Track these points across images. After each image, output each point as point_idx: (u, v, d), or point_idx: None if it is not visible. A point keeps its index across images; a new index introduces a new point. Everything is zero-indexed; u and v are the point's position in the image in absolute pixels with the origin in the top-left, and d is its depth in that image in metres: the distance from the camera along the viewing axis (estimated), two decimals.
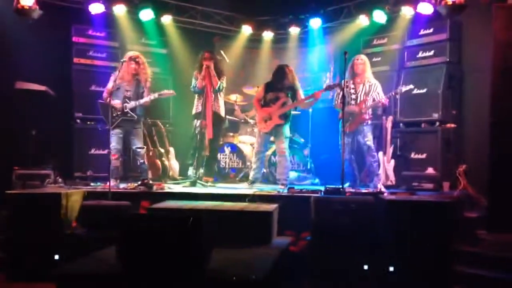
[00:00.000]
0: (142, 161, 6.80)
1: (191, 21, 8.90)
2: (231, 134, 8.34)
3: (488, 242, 4.93)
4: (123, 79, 6.64)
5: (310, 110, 8.08)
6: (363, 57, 6.88)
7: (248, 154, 7.88)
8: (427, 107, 7.07)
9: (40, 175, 6.33)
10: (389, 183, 6.72)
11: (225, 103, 7.39)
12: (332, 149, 7.37)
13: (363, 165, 6.86)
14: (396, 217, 4.93)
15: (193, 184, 6.78)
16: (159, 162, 7.73)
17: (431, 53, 7.25)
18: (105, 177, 6.20)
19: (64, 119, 7.50)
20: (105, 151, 6.96)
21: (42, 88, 6.98)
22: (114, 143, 6.55)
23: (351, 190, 5.91)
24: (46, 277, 4.45)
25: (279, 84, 6.68)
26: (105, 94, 6.68)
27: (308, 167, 7.84)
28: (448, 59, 7.04)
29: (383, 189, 5.97)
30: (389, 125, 6.89)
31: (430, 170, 6.82)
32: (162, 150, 7.88)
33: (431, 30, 7.28)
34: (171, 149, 8.09)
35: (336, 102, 6.87)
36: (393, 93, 6.80)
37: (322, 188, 5.83)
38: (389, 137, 6.88)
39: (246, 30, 9.01)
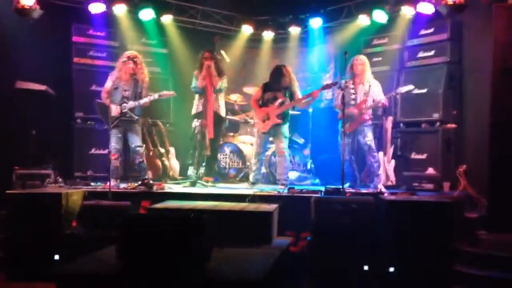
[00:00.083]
0: (141, 160, 6.68)
1: (192, 20, 8.91)
2: (231, 134, 8.33)
3: (488, 242, 4.92)
4: (121, 78, 6.61)
5: (311, 110, 8.08)
6: (362, 57, 6.85)
7: (248, 154, 7.88)
8: (427, 107, 7.07)
9: (40, 175, 6.33)
10: (389, 183, 6.72)
11: (225, 103, 7.38)
12: (332, 149, 7.38)
13: (363, 165, 6.85)
14: (396, 217, 4.93)
15: (194, 184, 6.79)
16: (159, 162, 7.73)
17: (432, 53, 7.25)
18: (105, 177, 6.20)
19: (64, 119, 7.50)
20: (105, 151, 6.95)
21: (42, 87, 6.98)
22: (114, 143, 6.53)
23: (352, 190, 5.91)
24: (46, 277, 4.47)
25: (276, 84, 6.71)
26: (103, 94, 6.63)
27: (308, 167, 7.84)
28: (448, 59, 7.04)
29: (383, 190, 5.97)
30: (389, 125, 6.88)
31: (430, 171, 6.82)
32: (162, 150, 7.87)
33: (431, 30, 7.27)
34: (172, 149, 8.09)
35: (336, 102, 6.86)
36: (393, 94, 6.80)
37: (323, 188, 5.83)
38: (389, 137, 6.87)
39: (246, 29, 9.01)
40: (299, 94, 6.74)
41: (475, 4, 6.41)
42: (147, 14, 7.98)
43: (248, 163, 7.76)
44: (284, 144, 6.72)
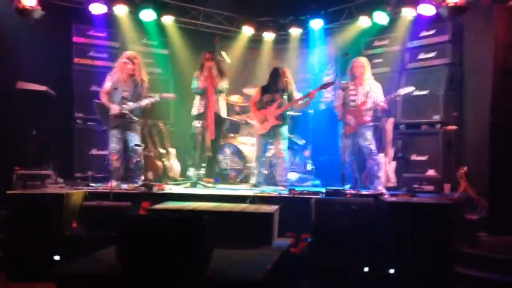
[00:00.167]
0: (138, 159, 6.63)
1: (192, 21, 8.91)
2: (232, 135, 8.33)
3: (489, 244, 4.91)
4: (120, 79, 6.58)
5: (311, 111, 8.08)
6: (362, 59, 6.83)
7: (248, 155, 7.87)
8: (428, 108, 7.06)
9: (40, 176, 6.32)
10: (389, 184, 6.72)
11: (226, 103, 7.38)
12: (333, 151, 7.38)
13: (363, 166, 6.85)
14: (396, 219, 4.93)
15: (194, 185, 6.78)
16: (159, 163, 7.72)
17: (433, 54, 7.24)
18: (106, 177, 6.19)
19: (65, 119, 7.51)
20: (106, 152, 6.94)
21: (43, 88, 6.97)
22: (114, 143, 6.52)
23: (352, 191, 5.90)
24: (46, 277, 4.46)
25: (274, 86, 6.79)
26: (102, 95, 6.57)
27: (309, 168, 7.83)
28: (449, 61, 7.03)
29: (383, 191, 5.97)
30: (389, 126, 6.88)
31: (431, 172, 6.82)
32: (163, 151, 7.87)
33: (432, 32, 7.26)
34: (172, 150, 8.08)
35: (336, 104, 6.86)
36: (393, 96, 6.79)
37: (323, 190, 5.83)
38: (390, 138, 6.87)
39: (247, 30, 9.02)
40: (296, 95, 6.77)
41: (475, 5, 6.41)
42: (147, 15, 7.99)
43: (248, 164, 7.76)
44: (283, 145, 6.73)
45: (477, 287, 4.54)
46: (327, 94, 8.82)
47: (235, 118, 8.41)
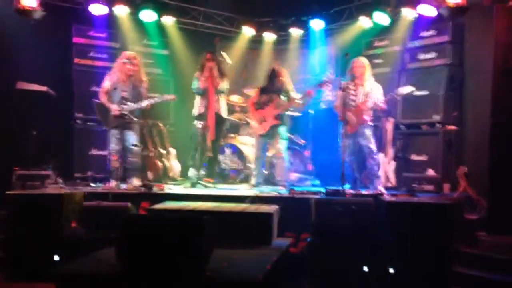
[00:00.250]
0: (134, 159, 6.58)
1: (193, 22, 8.91)
2: (232, 135, 8.33)
3: (488, 244, 4.92)
4: (119, 79, 6.57)
5: (311, 111, 8.07)
6: (362, 59, 6.81)
7: (248, 155, 7.86)
8: (428, 108, 7.06)
9: (40, 176, 6.32)
10: (389, 184, 6.71)
11: (226, 104, 7.39)
12: (333, 151, 7.36)
13: (363, 166, 6.84)
14: (396, 218, 4.93)
15: (194, 185, 6.78)
16: (159, 163, 7.72)
17: (433, 55, 7.23)
18: (106, 178, 6.18)
19: (65, 120, 7.51)
20: (105, 152, 6.94)
21: (43, 88, 6.98)
22: (113, 144, 6.52)
23: (352, 191, 5.90)
24: (46, 277, 4.46)
25: (272, 86, 6.83)
26: (102, 95, 6.55)
27: (309, 168, 7.83)
28: (450, 61, 7.01)
29: (383, 191, 5.97)
30: (389, 126, 6.88)
31: (430, 172, 6.82)
32: (163, 151, 7.87)
33: (432, 32, 7.25)
34: (172, 150, 8.09)
35: (336, 103, 6.86)
36: (392, 95, 6.77)
37: (323, 190, 5.82)
38: (390, 138, 6.87)
39: (247, 31, 9.02)
40: (294, 95, 6.77)
41: (476, 5, 6.40)
42: (148, 15, 7.99)
43: (248, 164, 7.75)
44: (283, 145, 6.74)
45: (476, 287, 4.54)
46: (328, 93, 8.80)
47: (235, 118, 8.40)
